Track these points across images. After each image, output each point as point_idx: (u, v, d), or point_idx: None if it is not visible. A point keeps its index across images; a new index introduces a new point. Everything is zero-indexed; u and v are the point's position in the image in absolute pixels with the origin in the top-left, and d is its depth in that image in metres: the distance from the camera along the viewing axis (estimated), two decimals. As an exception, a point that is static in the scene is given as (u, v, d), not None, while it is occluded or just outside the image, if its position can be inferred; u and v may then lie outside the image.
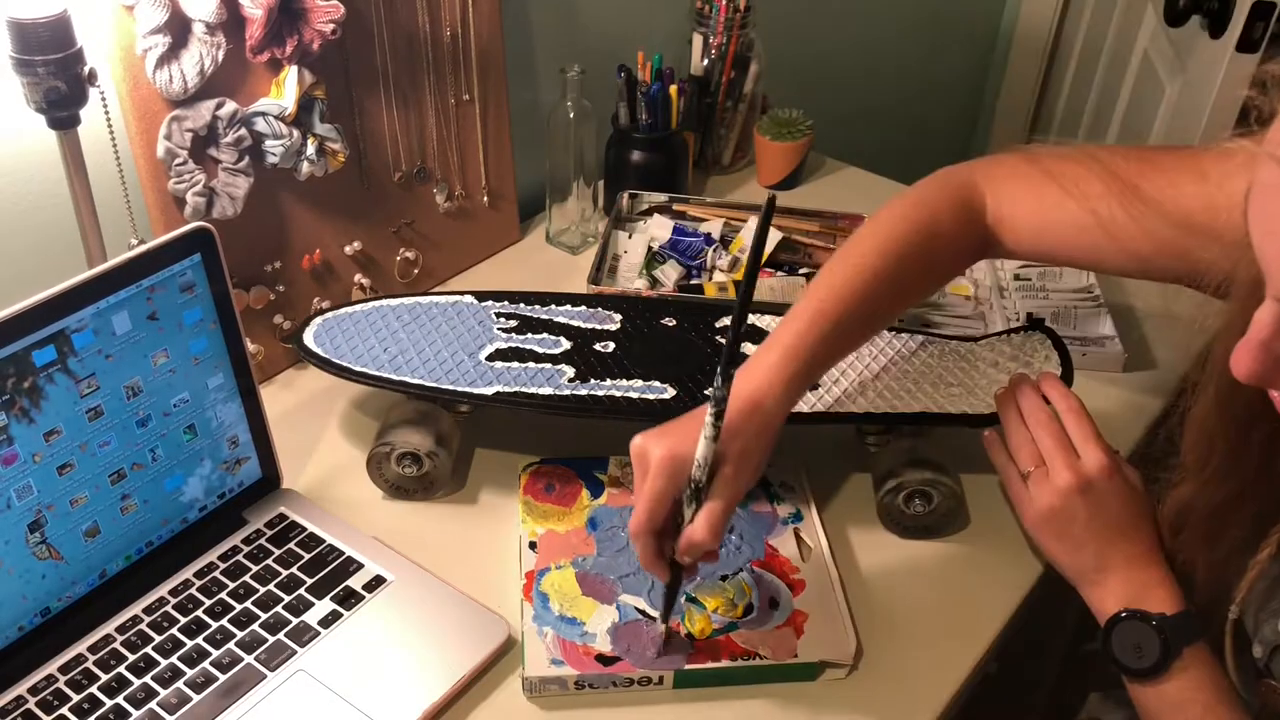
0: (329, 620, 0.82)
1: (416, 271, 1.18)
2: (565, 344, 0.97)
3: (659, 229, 1.24)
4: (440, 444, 0.92)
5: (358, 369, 0.93)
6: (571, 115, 1.20)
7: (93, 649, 0.79)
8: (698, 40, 1.36)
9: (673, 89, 1.26)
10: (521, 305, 1.02)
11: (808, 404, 0.92)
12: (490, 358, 0.95)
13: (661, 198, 1.28)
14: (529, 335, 0.98)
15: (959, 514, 0.93)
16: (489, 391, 0.91)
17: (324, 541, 0.88)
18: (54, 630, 0.79)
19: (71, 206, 0.88)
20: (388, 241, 1.15)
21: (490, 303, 1.02)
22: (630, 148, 1.29)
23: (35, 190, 0.94)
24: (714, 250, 1.20)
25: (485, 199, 1.23)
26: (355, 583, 0.85)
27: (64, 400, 0.75)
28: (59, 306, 0.73)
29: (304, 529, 0.89)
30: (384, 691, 0.77)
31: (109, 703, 0.76)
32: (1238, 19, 1.56)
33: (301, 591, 0.84)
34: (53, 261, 0.95)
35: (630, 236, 1.24)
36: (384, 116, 1.09)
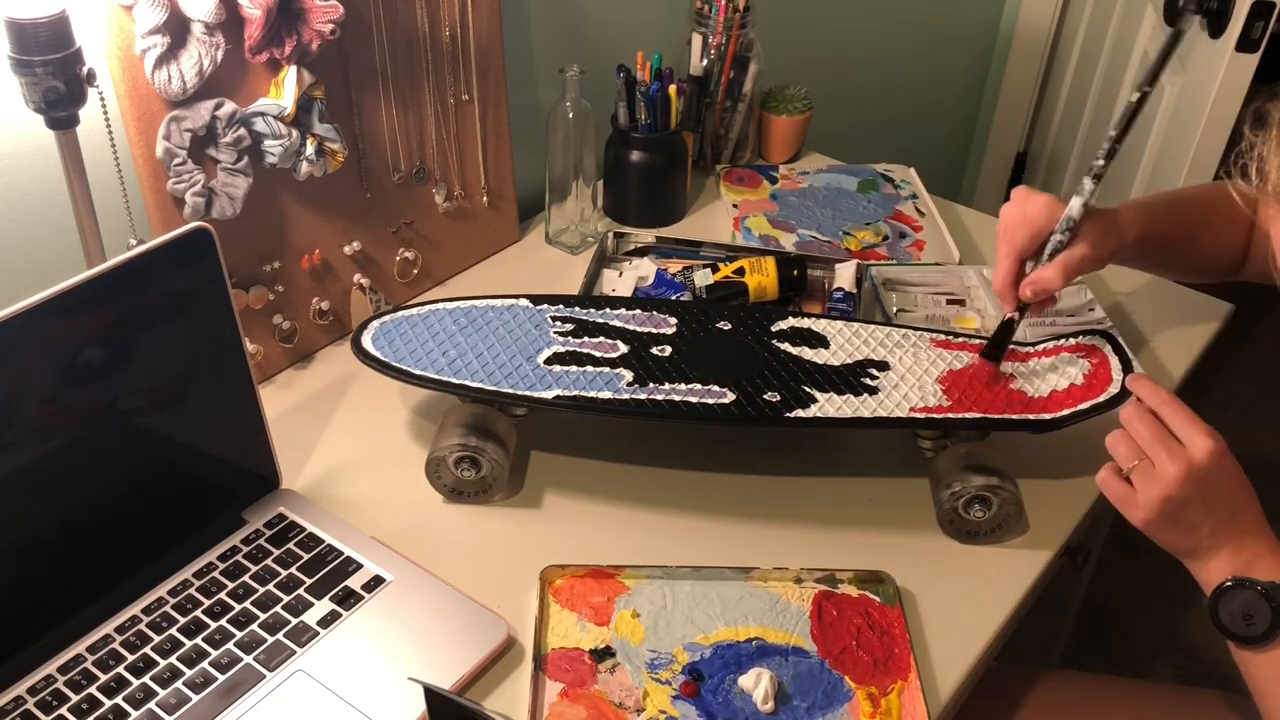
0: (328, 620, 0.82)
1: (416, 271, 1.18)
2: (622, 348, 0.97)
3: (648, 269, 1.21)
4: (499, 447, 0.92)
5: (416, 372, 0.93)
6: (571, 115, 1.20)
7: (92, 649, 0.79)
8: (697, 40, 1.36)
9: (672, 89, 1.25)
10: (577, 309, 1.01)
11: (868, 409, 0.91)
12: (549, 361, 0.94)
13: (649, 238, 1.26)
14: (585, 339, 0.97)
15: (1019, 519, 0.92)
16: (549, 395, 0.91)
17: (323, 541, 0.88)
18: (52, 630, 0.79)
19: (70, 207, 0.88)
20: (387, 241, 1.15)
21: (546, 306, 1.01)
22: (630, 148, 1.29)
23: (34, 190, 0.94)
24: (701, 271, 1.17)
25: (484, 199, 1.23)
26: (354, 583, 0.85)
27: (61, 400, 0.75)
28: (57, 307, 0.73)
29: (303, 529, 0.89)
30: (383, 691, 0.77)
31: (108, 703, 0.76)
32: (1238, 19, 1.56)
33: (300, 592, 0.84)
34: (52, 262, 0.95)
35: (620, 275, 1.20)
36: (383, 117, 1.09)
